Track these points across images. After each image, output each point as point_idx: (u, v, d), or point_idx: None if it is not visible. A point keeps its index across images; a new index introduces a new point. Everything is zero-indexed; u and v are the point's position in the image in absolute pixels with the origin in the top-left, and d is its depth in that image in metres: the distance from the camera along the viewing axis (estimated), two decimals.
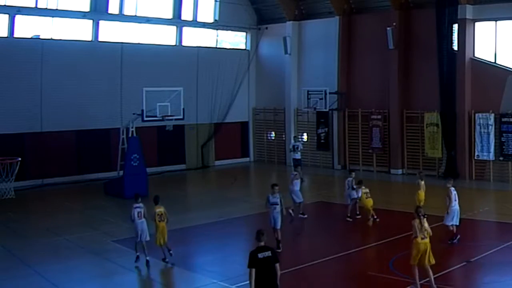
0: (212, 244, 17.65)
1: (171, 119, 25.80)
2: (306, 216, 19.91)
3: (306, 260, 15.07)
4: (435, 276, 12.72)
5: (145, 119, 24.58)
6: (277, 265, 10.12)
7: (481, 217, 19.69)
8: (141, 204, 15.26)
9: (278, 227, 16.06)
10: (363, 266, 14.69)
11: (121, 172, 24.69)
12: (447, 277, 13.24)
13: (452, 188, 16.37)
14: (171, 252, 15.15)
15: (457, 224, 16.38)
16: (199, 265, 15.43)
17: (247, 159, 35.82)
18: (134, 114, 24.91)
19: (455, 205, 16.26)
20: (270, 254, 10.07)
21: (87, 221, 19.84)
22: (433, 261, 12.51)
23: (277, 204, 16.10)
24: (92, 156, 28.40)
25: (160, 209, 15.19)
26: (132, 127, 24.58)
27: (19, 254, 16.14)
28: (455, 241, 16.17)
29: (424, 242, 12.49)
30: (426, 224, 12.64)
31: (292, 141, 30.23)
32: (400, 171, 28.97)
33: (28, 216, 21.41)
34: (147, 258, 14.82)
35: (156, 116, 24.64)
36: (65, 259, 15.70)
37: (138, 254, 15.04)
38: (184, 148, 32.77)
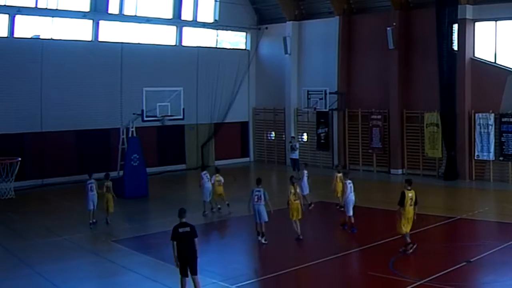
0: (212, 244, 17.66)
1: (171, 119, 25.79)
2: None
3: (306, 260, 15.07)
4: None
5: (145, 119, 24.59)
6: (196, 239, 11.92)
7: (481, 217, 19.69)
8: (93, 180, 19.46)
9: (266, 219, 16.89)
10: (363, 266, 14.68)
11: (121, 172, 24.70)
12: (447, 277, 13.23)
13: (348, 181, 18.32)
14: (108, 220, 19.33)
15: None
16: (199, 265, 15.31)
17: (247, 159, 35.82)
18: (134, 114, 24.93)
19: (350, 196, 18.07)
20: (189, 230, 11.87)
21: (87, 221, 19.82)
22: (300, 217, 16.84)
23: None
24: (92, 156, 28.35)
25: (108, 183, 19.39)
26: (132, 127, 24.60)
27: (19, 254, 16.13)
28: (346, 227, 18.09)
29: (296, 202, 16.85)
30: (298, 190, 17.18)
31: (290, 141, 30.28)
32: (400, 171, 28.96)
33: (28, 216, 21.39)
34: (95, 220, 19.22)
35: (156, 116, 24.65)
36: (65, 259, 15.70)
37: (95, 220, 19.22)
38: (184, 148, 32.78)
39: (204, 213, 20.90)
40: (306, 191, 21.38)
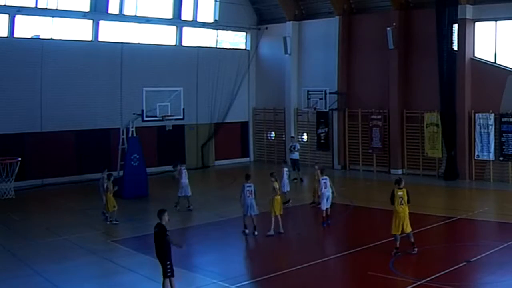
0: (212, 244, 17.66)
1: (171, 119, 25.82)
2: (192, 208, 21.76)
3: (306, 260, 15.06)
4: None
5: (145, 119, 24.60)
6: (166, 239, 11.95)
7: (481, 217, 19.69)
8: (101, 177, 20.43)
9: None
10: (363, 266, 14.68)
11: (121, 172, 24.70)
12: (447, 277, 13.23)
13: (323, 178, 19.11)
14: (116, 221, 19.72)
15: (329, 206, 18.89)
16: (199, 265, 15.43)
17: (247, 159, 35.82)
18: (134, 114, 24.94)
19: (325, 192, 18.80)
20: (156, 230, 12.10)
21: (87, 221, 19.84)
22: (281, 212, 17.78)
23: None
24: (92, 156, 28.34)
25: (108, 183, 19.73)
26: (132, 127, 24.60)
27: (19, 254, 16.12)
28: (326, 224, 18.76)
29: (279, 198, 18.03)
30: (278, 186, 18.20)
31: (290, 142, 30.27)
32: (400, 171, 28.94)
33: (28, 216, 21.39)
34: (106, 214, 19.92)
35: (156, 116, 24.66)
36: (65, 259, 15.69)
37: (104, 211, 20.05)
38: (184, 148, 32.78)
39: (188, 207, 21.77)
40: (287, 188, 21.93)
